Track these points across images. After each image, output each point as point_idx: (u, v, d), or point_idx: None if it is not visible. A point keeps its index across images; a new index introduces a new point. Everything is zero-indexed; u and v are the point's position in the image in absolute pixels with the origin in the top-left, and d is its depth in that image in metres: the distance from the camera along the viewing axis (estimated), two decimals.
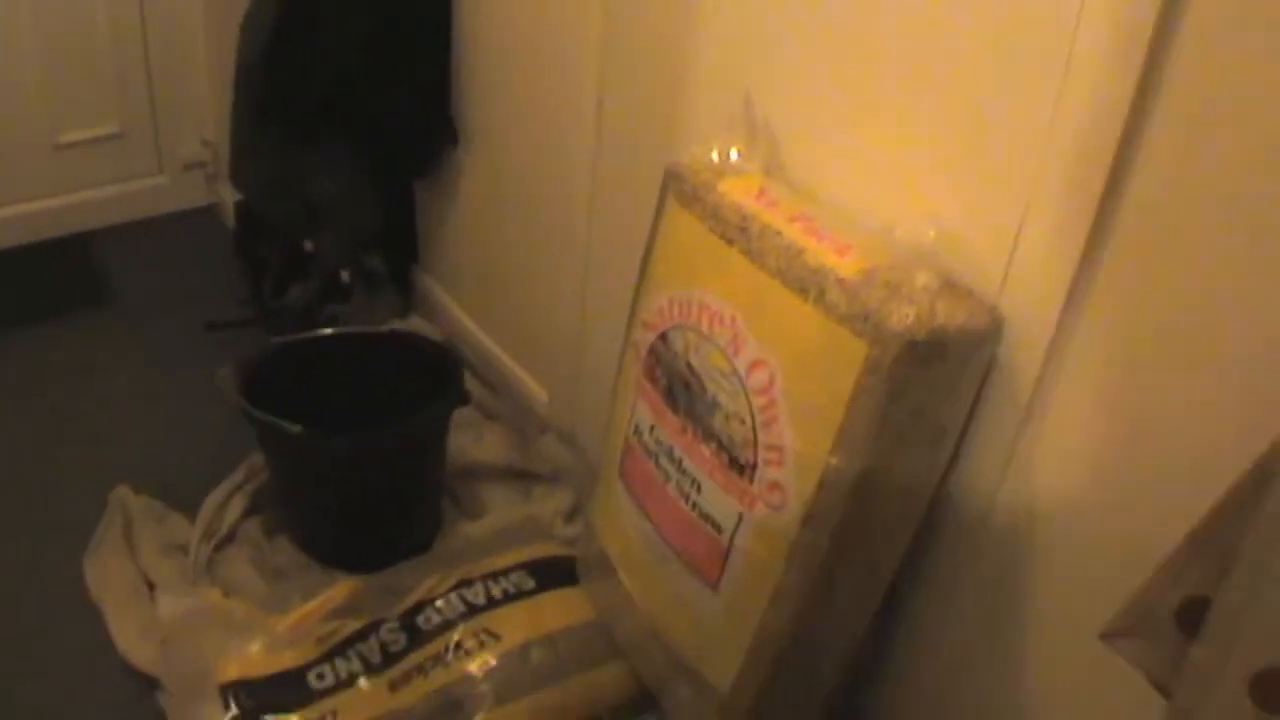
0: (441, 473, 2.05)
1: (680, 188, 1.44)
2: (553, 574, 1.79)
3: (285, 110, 2.30)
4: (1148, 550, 1.10)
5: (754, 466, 1.30)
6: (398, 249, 2.68)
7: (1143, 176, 1.11)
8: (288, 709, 1.61)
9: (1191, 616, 1.08)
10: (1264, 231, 1.03)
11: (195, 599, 1.82)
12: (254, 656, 1.69)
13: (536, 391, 2.35)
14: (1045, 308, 1.20)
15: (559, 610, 1.72)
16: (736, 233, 1.32)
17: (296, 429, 1.75)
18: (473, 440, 2.20)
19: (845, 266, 1.21)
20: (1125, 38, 1.06)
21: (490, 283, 2.46)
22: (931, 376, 1.19)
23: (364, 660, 1.67)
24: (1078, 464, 1.25)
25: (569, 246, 2.09)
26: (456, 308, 2.58)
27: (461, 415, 2.11)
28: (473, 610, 1.69)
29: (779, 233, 1.28)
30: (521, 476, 2.17)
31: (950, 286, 1.22)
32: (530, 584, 1.75)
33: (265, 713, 1.61)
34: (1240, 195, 1.04)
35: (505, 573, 1.76)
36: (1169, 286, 1.12)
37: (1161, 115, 1.08)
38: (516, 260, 2.32)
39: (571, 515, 2.05)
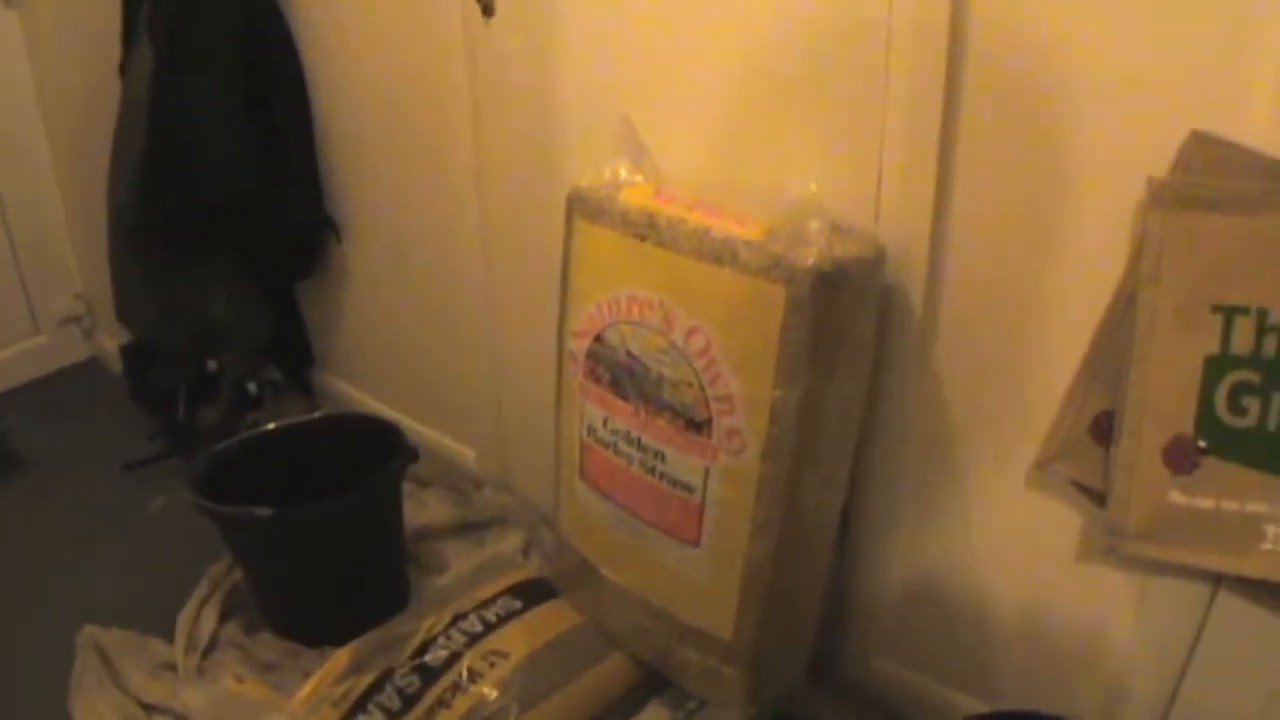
0: (403, 534, 2.13)
1: (584, 207, 1.61)
2: (535, 592, 1.89)
3: (166, 236, 2.36)
4: (1042, 392, 1.38)
5: (709, 421, 1.46)
6: (291, 354, 2.76)
7: (968, 118, 1.36)
8: None
9: (1102, 429, 1.31)
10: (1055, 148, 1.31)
11: (212, 690, 1.86)
12: None
13: (462, 451, 2.45)
14: (917, 233, 1.44)
15: (551, 621, 1.82)
16: (646, 229, 1.50)
17: (267, 512, 1.82)
18: (416, 508, 2.30)
19: (749, 231, 1.40)
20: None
21: (393, 363, 2.55)
22: (843, 302, 1.37)
23: (385, 710, 1.72)
24: (971, 346, 1.49)
25: (468, 306, 2.22)
26: (362, 394, 2.67)
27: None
28: (474, 638, 1.77)
29: (683, 220, 1.46)
30: (471, 528, 2.28)
31: (837, 229, 1.41)
32: (518, 604, 1.85)
33: None
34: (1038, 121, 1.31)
35: (492, 600, 1.86)
36: (1003, 196, 1.39)
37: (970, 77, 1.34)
38: (417, 334, 2.43)
39: (526, 551, 2.16)
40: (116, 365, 2.97)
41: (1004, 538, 1.59)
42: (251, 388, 2.68)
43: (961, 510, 1.61)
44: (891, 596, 1.76)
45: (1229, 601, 1.40)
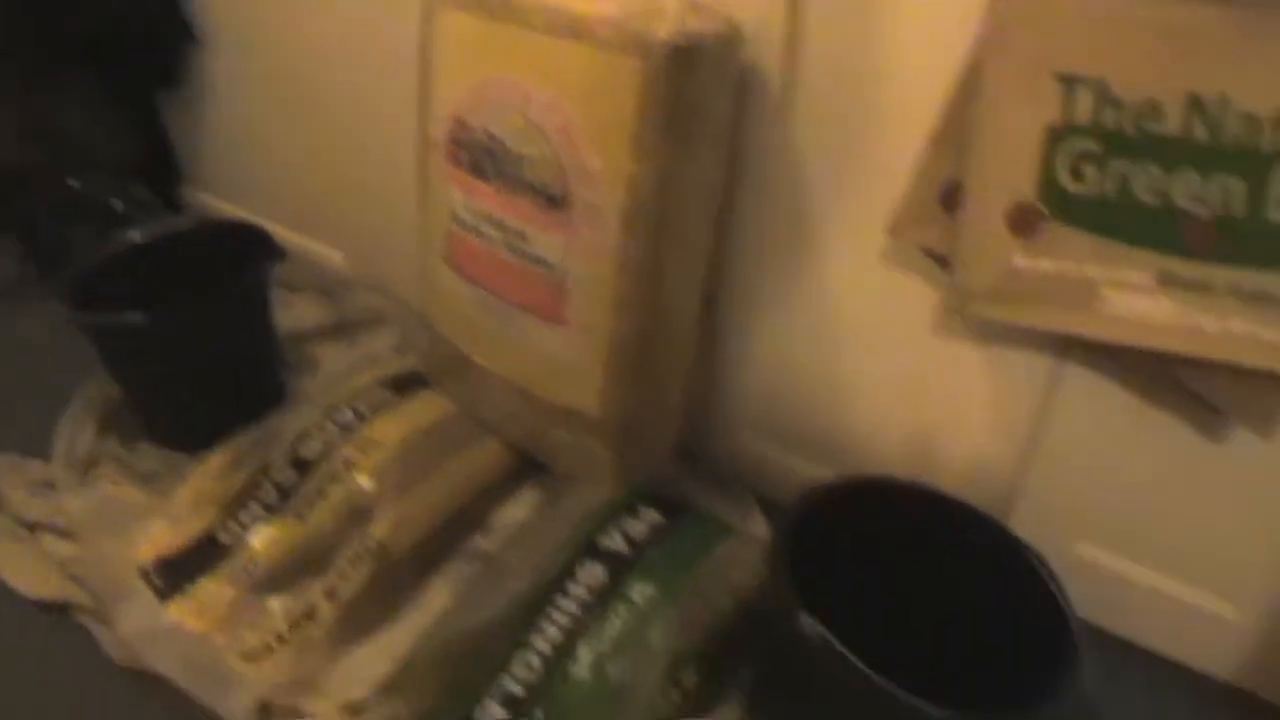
0: (275, 336, 2.12)
1: None
2: (407, 384, 1.91)
3: (11, 53, 2.29)
4: (895, 165, 1.41)
5: (569, 197, 1.48)
6: (157, 169, 2.71)
7: None
8: (207, 571, 1.69)
9: (950, 197, 1.35)
10: None
11: (91, 496, 1.86)
12: (161, 534, 1.75)
13: (333, 255, 2.46)
14: (773, 12, 1.47)
15: (423, 410, 1.84)
16: (503, 10, 1.49)
17: (137, 316, 1.80)
18: (286, 313, 2.27)
19: (604, 8, 1.41)
20: None
21: (261, 173, 2.52)
22: (698, 77, 1.39)
23: (264, 504, 1.75)
24: (828, 124, 1.51)
25: (332, 107, 2.20)
26: (232, 207, 2.62)
27: None
28: (347, 429, 1.79)
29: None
30: (343, 328, 2.29)
31: (694, 6, 1.42)
32: (390, 395, 1.87)
33: (186, 582, 1.68)
34: None
35: (364, 392, 1.87)
36: None
37: None
38: (283, 141, 2.39)
39: (399, 348, 2.17)
40: None
41: (862, 312, 1.64)
42: (118, 206, 2.60)
43: (821, 286, 1.65)
44: (757, 376, 1.81)
45: (1074, 371, 1.48)
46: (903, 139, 1.43)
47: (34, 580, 1.79)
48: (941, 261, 1.45)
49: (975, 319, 1.45)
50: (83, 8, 2.30)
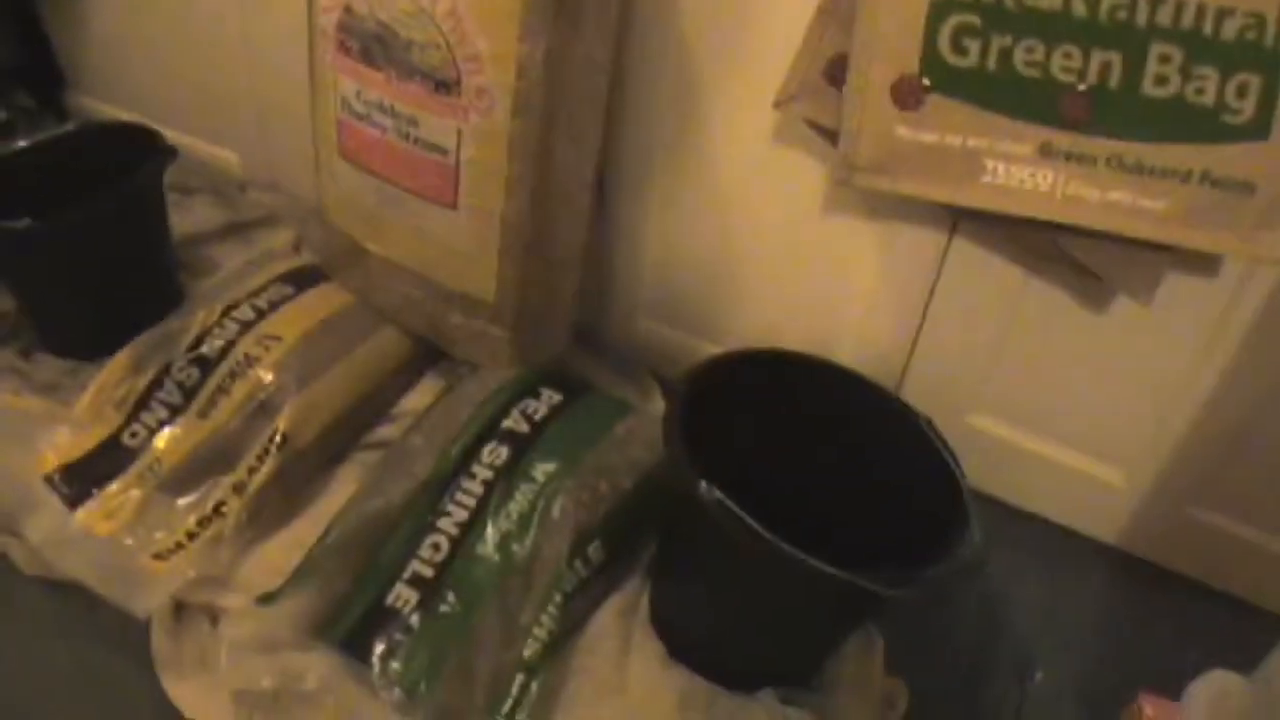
0: (170, 238, 2.09)
1: None
2: (304, 278, 1.90)
3: None
4: (782, 44, 1.42)
5: (458, 81, 1.48)
6: (41, 76, 2.63)
7: None
8: (113, 475, 1.68)
9: (836, 71, 1.36)
10: None
11: None
12: (64, 442, 1.72)
13: (226, 156, 2.41)
14: None
15: (322, 302, 1.84)
16: None
17: (26, 223, 1.76)
18: (183, 216, 2.24)
19: None
20: None
21: (149, 75, 2.45)
22: None
23: (167, 405, 1.74)
24: (714, 4, 1.52)
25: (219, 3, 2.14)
26: (120, 112, 2.56)
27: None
28: (247, 326, 1.78)
29: None
30: (239, 228, 2.25)
31: None
32: (289, 290, 1.86)
33: (94, 487, 1.66)
34: None
35: (263, 289, 1.86)
36: None
37: None
38: (171, 40, 2.33)
39: (296, 246, 2.15)
40: None
41: (752, 191, 1.66)
42: (1, 115, 2.54)
43: (711, 166, 1.67)
44: (651, 258, 1.83)
45: (961, 245, 1.52)
46: (789, 17, 1.43)
47: None
48: (828, 136, 1.47)
49: (861, 190, 1.48)
50: None
